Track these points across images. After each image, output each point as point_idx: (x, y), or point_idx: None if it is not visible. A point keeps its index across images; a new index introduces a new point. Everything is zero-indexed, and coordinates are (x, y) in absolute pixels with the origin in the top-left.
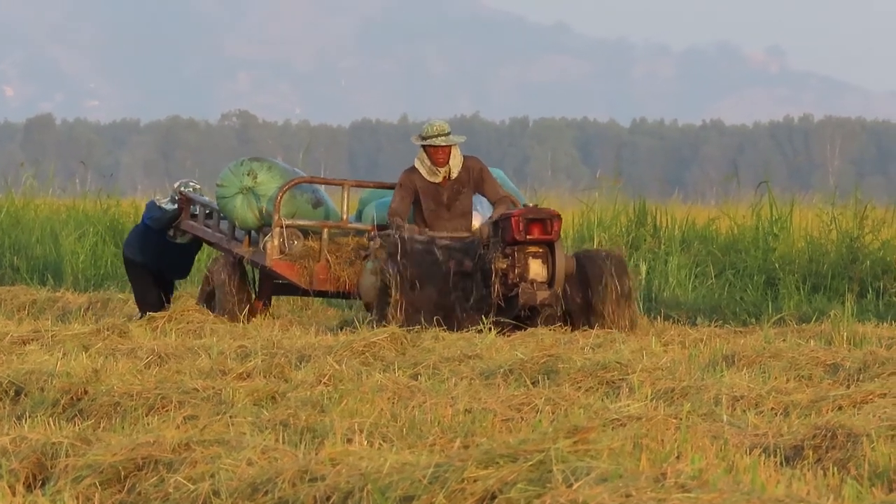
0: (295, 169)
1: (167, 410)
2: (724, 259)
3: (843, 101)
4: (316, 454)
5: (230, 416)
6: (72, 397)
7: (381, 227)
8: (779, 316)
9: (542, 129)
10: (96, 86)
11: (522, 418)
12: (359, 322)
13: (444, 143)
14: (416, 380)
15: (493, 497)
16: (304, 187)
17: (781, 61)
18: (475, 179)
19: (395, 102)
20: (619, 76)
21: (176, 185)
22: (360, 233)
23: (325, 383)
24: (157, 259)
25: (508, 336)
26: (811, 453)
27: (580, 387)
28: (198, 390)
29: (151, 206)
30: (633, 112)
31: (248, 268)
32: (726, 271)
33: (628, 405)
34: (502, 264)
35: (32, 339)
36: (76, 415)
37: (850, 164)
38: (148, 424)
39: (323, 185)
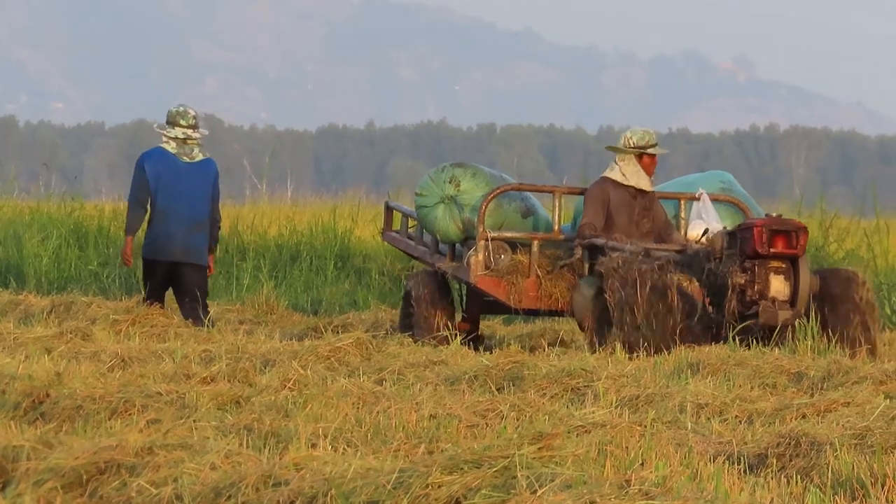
0: (502, 175)
1: (130, 414)
2: None
3: (811, 111)
4: (280, 459)
5: (194, 421)
6: (34, 400)
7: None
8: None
9: (508, 136)
10: (61, 88)
11: (487, 424)
12: (323, 328)
13: (661, 152)
14: (381, 385)
15: (458, 503)
16: (512, 195)
17: (749, 71)
18: (654, 202)
19: (362, 108)
20: (587, 84)
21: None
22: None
23: (289, 388)
24: None
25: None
26: (775, 461)
27: (545, 393)
28: (161, 394)
29: None
30: (601, 120)
31: (455, 284)
32: None
33: (593, 412)
34: (740, 279)
35: None
36: (38, 418)
37: (815, 173)
38: (111, 428)
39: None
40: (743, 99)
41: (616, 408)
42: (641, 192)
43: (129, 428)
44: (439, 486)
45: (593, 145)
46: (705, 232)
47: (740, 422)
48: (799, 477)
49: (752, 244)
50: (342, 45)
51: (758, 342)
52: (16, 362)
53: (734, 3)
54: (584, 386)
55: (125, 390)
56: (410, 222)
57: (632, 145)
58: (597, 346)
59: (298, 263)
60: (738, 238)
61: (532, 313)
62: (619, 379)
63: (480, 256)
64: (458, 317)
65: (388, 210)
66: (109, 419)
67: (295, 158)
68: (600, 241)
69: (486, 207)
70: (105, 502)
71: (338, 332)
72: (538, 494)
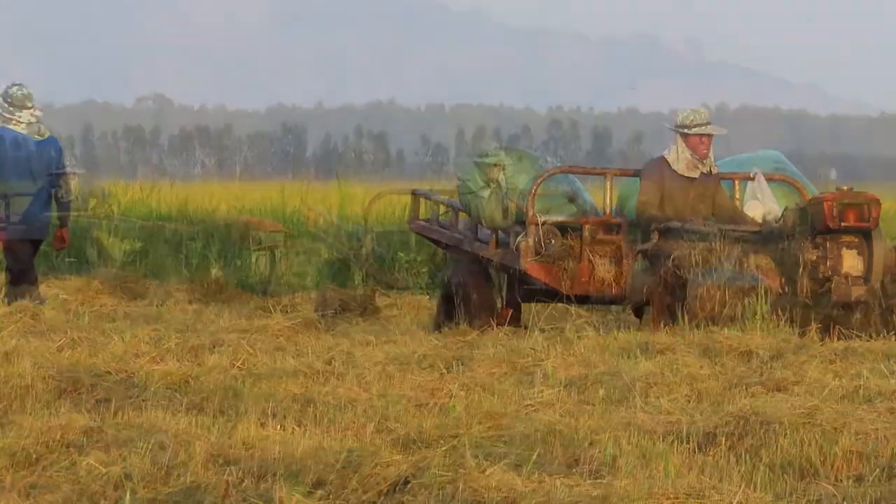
0: (547, 158)
1: (79, 393)
2: None
3: (764, 92)
4: (229, 438)
5: (143, 400)
6: None
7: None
8: None
9: (457, 115)
10: (9, 67)
11: (436, 404)
12: (273, 308)
13: (713, 132)
14: (330, 365)
15: (406, 482)
16: (558, 179)
17: (699, 52)
18: (716, 184)
19: (311, 87)
20: (537, 64)
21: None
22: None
23: (238, 367)
24: None
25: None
26: (724, 440)
27: (494, 373)
28: (111, 373)
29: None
30: (550, 100)
31: (494, 272)
32: None
33: (542, 392)
34: (812, 255)
35: None
36: None
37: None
38: (60, 407)
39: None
40: (693, 80)
41: (565, 387)
42: (710, 173)
43: (79, 407)
44: (388, 465)
45: (542, 124)
46: (785, 210)
47: (689, 401)
48: (748, 456)
49: (822, 219)
50: (293, 24)
51: (834, 323)
52: None
53: None
54: (533, 366)
55: (74, 370)
56: (441, 209)
57: (676, 124)
58: (665, 324)
59: (248, 243)
60: (808, 213)
61: (583, 300)
62: (567, 358)
63: (531, 242)
64: (501, 305)
65: (416, 198)
66: (59, 398)
67: (244, 138)
68: (675, 223)
69: (536, 190)
70: (54, 481)
71: (287, 312)
72: (487, 473)
